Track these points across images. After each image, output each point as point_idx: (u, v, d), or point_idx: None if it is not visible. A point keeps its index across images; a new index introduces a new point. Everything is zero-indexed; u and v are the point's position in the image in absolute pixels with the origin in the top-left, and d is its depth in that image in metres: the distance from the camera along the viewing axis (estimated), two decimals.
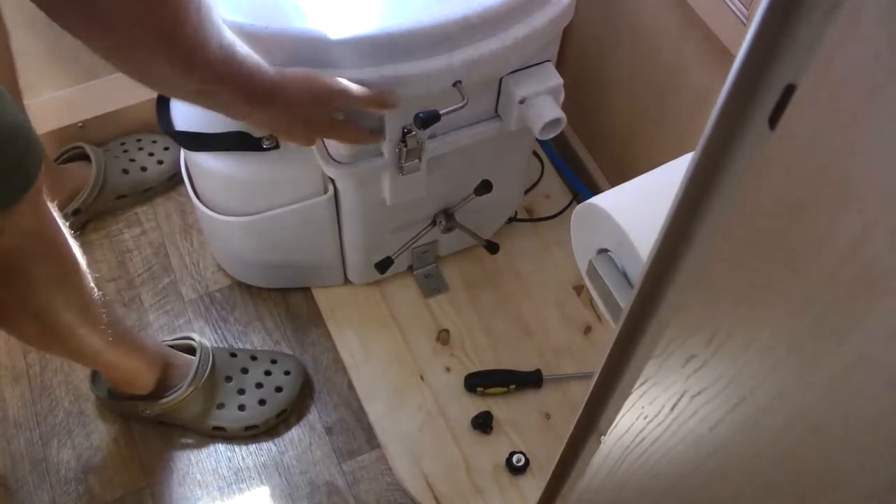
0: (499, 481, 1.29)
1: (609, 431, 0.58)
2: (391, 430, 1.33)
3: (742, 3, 1.00)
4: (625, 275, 0.76)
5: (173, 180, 1.60)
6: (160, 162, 1.59)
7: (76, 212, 1.51)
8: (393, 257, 1.34)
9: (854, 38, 0.25)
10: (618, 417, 0.56)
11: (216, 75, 0.80)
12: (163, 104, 1.21)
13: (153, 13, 0.70)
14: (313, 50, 0.96)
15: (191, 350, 1.32)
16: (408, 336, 1.42)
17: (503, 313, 1.44)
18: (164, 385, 1.29)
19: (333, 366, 1.41)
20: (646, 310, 0.47)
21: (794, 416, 0.35)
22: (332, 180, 1.22)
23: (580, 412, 0.61)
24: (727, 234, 0.36)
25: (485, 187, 1.28)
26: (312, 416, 1.37)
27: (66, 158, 1.55)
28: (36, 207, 0.90)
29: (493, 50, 1.01)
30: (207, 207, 1.30)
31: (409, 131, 1.07)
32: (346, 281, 1.46)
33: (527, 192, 1.56)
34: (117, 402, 1.32)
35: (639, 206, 0.73)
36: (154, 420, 1.33)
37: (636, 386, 0.51)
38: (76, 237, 0.93)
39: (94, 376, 1.34)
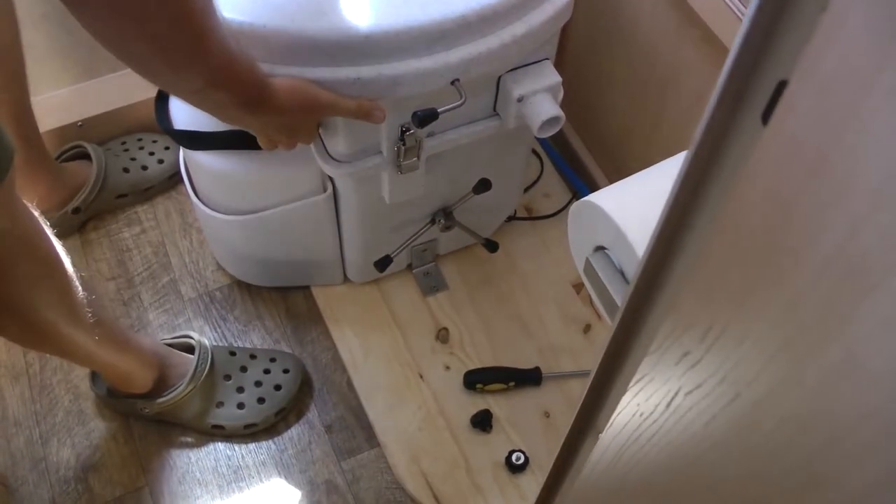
0: (498, 480, 1.29)
1: (606, 429, 0.58)
2: (390, 428, 1.33)
3: (741, 2, 1.00)
4: (621, 272, 0.76)
5: (173, 179, 1.60)
6: (160, 161, 1.59)
7: (76, 210, 1.51)
8: (392, 256, 1.34)
9: (843, 35, 0.26)
10: (614, 415, 0.56)
11: (212, 78, 0.81)
12: (162, 103, 1.21)
13: (160, 10, 0.71)
14: (311, 48, 0.96)
15: (190, 349, 1.32)
16: (407, 334, 1.42)
17: (502, 312, 1.44)
18: (163, 384, 1.29)
19: (333, 364, 1.41)
20: (641, 307, 0.47)
21: (786, 413, 0.35)
22: (331, 179, 1.22)
23: (577, 410, 0.61)
24: (721, 231, 0.37)
25: (483, 186, 1.28)
26: (312, 414, 1.37)
27: (67, 157, 1.55)
28: (8, 204, 0.90)
29: (491, 48, 1.01)
30: (207, 206, 1.30)
31: (408, 130, 1.07)
32: (346, 279, 1.46)
33: (526, 190, 1.56)
34: (116, 401, 1.32)
35: (635, 203, 0.73)
36: (153, 419, 1.33)
37: (632, 383, 0.51)
38: (76, 236, 0.93)
39: (94, 375, 1.35)
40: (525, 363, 1.38)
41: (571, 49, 1.49)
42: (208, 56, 0.78)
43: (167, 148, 1.61)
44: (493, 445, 1.32)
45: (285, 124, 0.97)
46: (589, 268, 0.79)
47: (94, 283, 1.49)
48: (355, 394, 1.37)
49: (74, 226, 1.54)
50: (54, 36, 1.47)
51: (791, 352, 0.33)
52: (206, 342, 1.33)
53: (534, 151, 1.60)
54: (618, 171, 1.50)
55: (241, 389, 1.33)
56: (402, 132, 1.08)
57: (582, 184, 1.57)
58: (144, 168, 1.58)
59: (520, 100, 1.10)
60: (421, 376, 1.38)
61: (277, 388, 1.34)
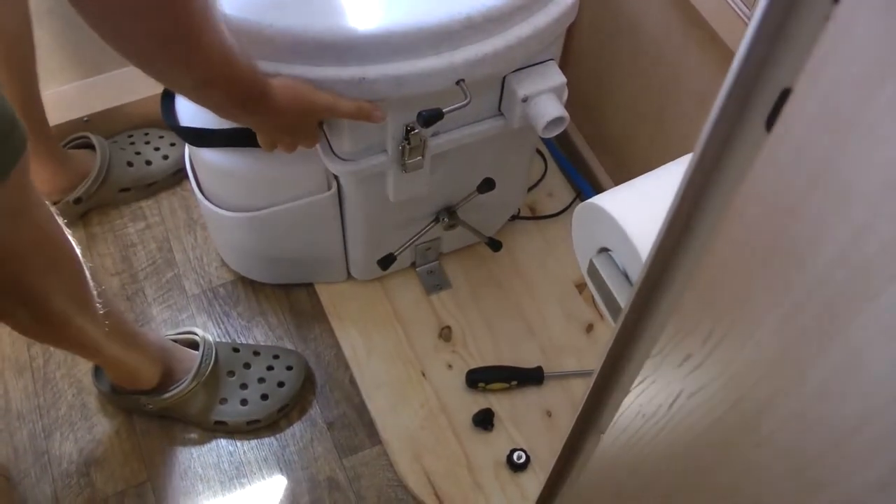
0: (499, 478, 1.29)
1: (608, 429, 0.59)
2: (393, 426, 1.34)
3: (744, 4, 1.00)
4: (625, 274, 0.77)
5: (178, 176, 1.60)
6: (165, 157, 1.59)
7: (77, 200, 1.51)
8: (395, 254, 1.35)
9: (846, 44, 0.26)
10: (616, 415, 0.56)
11: (212, 76, 0.82)
12: (168, 99, 1.21)
13: (161, 8, 0.71)
14: (316, 48, 0.96)
15: (194, 345, 1.32)
16: (410, 332, 1.42)
17: (505, 311, 1.45)
18: (166, 380, 1.29)
19: (335, 361, 1.42)
20: (645, 309, 0.48)
21: (789, 415, 0.35)
22: (336, 177, 1.23)
23: (580, 410, 0.61)
24: (724, 235, 0.37)
25: (488, 185, 1.28)
26: (314, 411, 1.37)
27: (72, 147, 1.55)
28: (23, 189, 0.90)
29: (496, 49, 1.01)
30: (212, 203, 1.30)
31: (413, 129, 1.07)
32: (349, 277, 1.47)
33: (530, 189, 1.57)
34: (120, 397, 1.32)
35: (639, 206, 0.74)
36: (156, 414, 1.33)
37: (635, 384, 0.51)
38: (77, 227, 0.93)
39: (97, 371, 1.35)
40: (527, 362, 1.38)
41: (577, 50, 1.49)
42: (205, 53, 0.78)
43: (173, 144, 1.61)
44: (494, 444, 1.32)
45: (283, 125, 0.98)
46: (593, 269, 0.79)
47: (98, 278, 1.49)
48: (358, 391, 1.38)
49: (76, 216, 1.54)
50: (60, 31, 1.47)
51: (794, 354, 0.33)
52: (210, 338, 1.33)
53: (538, 151, 1.60)
54: (621, 171, 1.50)
55: (244, 386, 1.33)
56: (407, 131, 1.08)
57: (586, 184, 1.57)
58: (148, 163, 1.58)
59: (524, 100, 1.10)
60: (423, 374, 1.38)
61: (280, 384, 1.34)
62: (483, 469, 1.30)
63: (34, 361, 1.41)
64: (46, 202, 0.96)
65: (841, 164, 0.27)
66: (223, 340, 1.41)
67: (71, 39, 1.49)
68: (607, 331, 1.43)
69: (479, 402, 1.35)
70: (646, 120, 1.36)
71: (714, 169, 0.35)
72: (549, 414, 1.35)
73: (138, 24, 0.72)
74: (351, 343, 1.42)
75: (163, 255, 1.53)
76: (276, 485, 1.31)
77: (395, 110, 1.03)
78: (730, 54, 1.07)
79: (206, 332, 1.38)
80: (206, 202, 1.31)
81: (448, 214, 1.34)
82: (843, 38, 0.26)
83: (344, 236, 1.36)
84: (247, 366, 1.35)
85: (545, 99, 1.10)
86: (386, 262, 1.35)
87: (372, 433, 1.34)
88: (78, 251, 1.03)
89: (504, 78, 1.11)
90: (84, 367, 1.39)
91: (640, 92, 1.35)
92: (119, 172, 1.55)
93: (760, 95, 0.31)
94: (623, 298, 0.75)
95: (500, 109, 1.16)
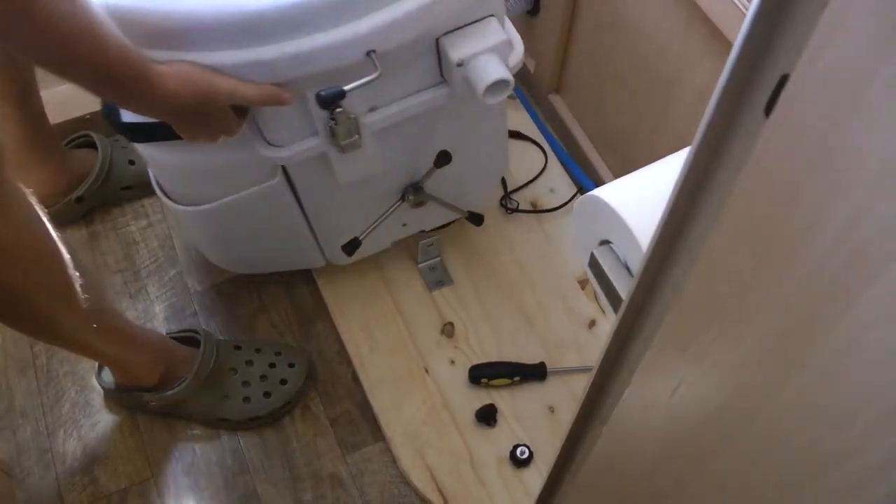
0: (502, 474, 1.29)
1: (610, 420, 0.59)
2: (395, 422, 1.34)
3: None
4: (626, 266, 0.77)
5: None
6: None
7: (79, 199, 1.51)
8: (360, 238, 1.28)
9: (843, 29, 0.26)
10: (618, 406, 0.56)
11: (87, 69, 0.79)
12: None
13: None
14: (203, 31, 0.88)
15: (196, 342, 1.33)
16: (412, 329, 1.42)
17: (507, 306, 1.45)
18: (169, 377, 1.29)
19: (338, 358, 1.42)
20: (645, 299, 0.48)
21: (790, 401, 0.36)
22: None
23: (582, 399, 0.61)
24: (724, 223, 0.37)
25: (444, 158, 1.19)
26: (317, 408, 1.37)
27: (74, 146, 1.55)
28: (3, 183, 0.90)
29: (407, 12, 0.90)
30: (170, 199, 1.25)
31: (336, 108, 0.97)
32: (327, 262, 1.41)
33: (529, 183, 1.56)
34: (123, 394, 1.33)
35: (640, 197, 0.74)
36: (159, 411, 1.33)
37: (636, 375, 0.51)
38: (80, 225, 0.93)
39: (100, 369, 1.35)
40: (530, 357, 1.38)
41: (578, 44, 1.49)
42: (38, 22, 0.73)
43: None
44: (497, 440, 1.32)
45: (191, 114, 0.92)
46: (594, 261, 0.79)
47: (100, 276, 1.50)
48: (360, 387, 1.38)
49: (78, 215, 1.54)
50: None
51: (794, 340, 0.33)
52: (212, 336, 1.34)
53: (538, 146, 1.60)
54: (622, 165, 1.50)
55: (246, 383, 1.33)
56: (332, 111, 0.98)
57: (586, 178, 1.57)
58: None
59: (460, 64, 0.98)
60: (426, 370, 1.38)
61: (283, 381, 1.34)
62: (486, 465, 1.30)
63: (37, 359, 1.42)
64: (31, 201, 0.96)
65: (839, 148, 0.28)
66: (225, 338, 1.42)
67: None
68: (609, 326, 1.43)
69: (482, 397, 1.35)
70: (646, 114, 1.36)
71: (714, 155, 0.35)
72: (551, 409, 1.35)
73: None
74: (353, 339, 1.42)
75: (165, 252, 1.54)
76: (279, 481, 1.31)
77: (308, 89, 0.94)
78: (731, 48, 1.07)
79: (209, 329, 1.38)
80: (165, 199, 1.26)
81: (413, 191, 1.26)
82: (839, 23, 0.26)
83: (308, 222, 1.29)
84: (249, 363, 1.35)
85: (483, 61, 0.98)
86: (351, 246, 1.28)
87: (375, 429, 1.35)
88: (63, 249, 1.02)
89: (437, 41, 1.00)
90: (87, 364, 1.40)
91: (641, 86, 1.35)
92: (121, 170, 1.55)
93: (759, 81, 0.31)
94: (624, 290, 0.76)
95: (442, 76, 1.06)
